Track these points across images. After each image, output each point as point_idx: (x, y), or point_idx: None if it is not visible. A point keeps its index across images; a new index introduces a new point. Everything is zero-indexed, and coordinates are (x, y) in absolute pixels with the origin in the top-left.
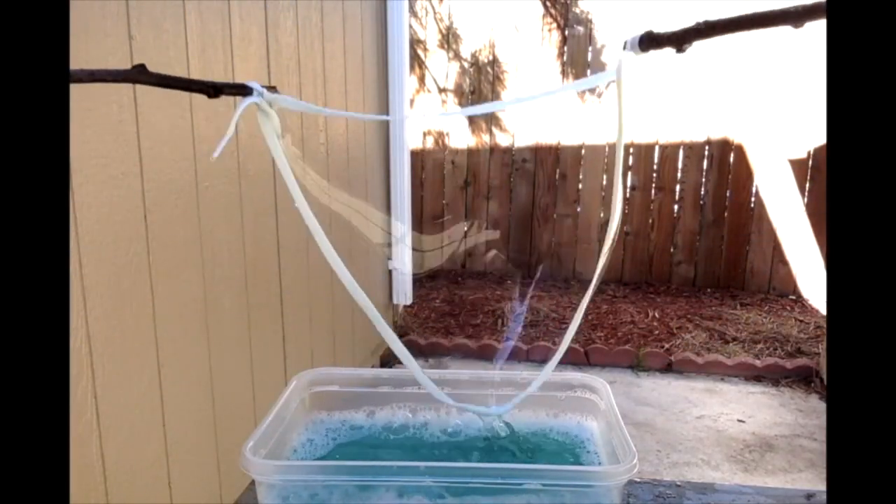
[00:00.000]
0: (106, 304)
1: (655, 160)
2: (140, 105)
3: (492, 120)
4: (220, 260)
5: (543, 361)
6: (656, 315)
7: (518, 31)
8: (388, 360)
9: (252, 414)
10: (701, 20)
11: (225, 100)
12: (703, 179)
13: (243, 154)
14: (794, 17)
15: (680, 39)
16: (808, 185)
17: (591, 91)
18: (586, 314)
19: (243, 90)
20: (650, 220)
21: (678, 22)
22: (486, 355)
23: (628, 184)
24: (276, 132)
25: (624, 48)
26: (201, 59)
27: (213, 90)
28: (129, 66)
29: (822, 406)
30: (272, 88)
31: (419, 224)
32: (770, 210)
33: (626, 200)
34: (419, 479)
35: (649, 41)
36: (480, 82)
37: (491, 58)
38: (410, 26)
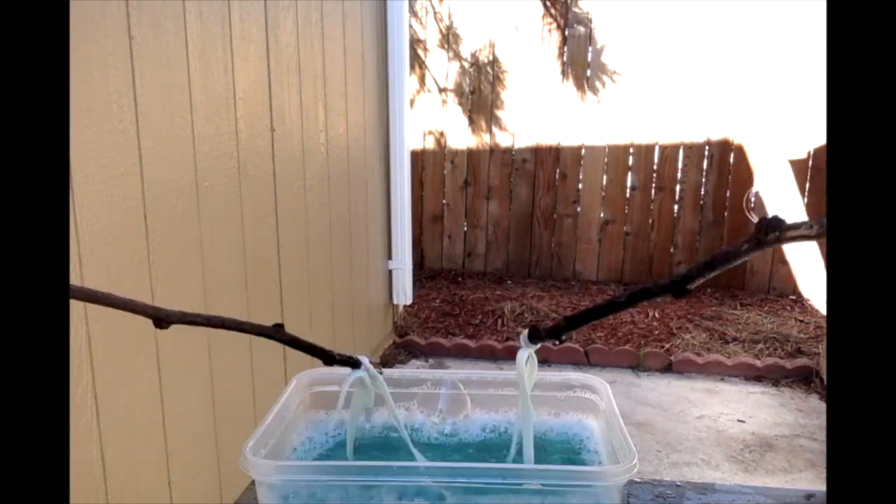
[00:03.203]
0: None
1: (655, 160)
2: (140, 105)
3: (492, 120)
4: (220, 260)
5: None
6: (656, 315)
7: (518, 31)
8: (389, 360)
9: (252, 414)
10: (566, 316)
11: (226, 101)
12: (703, 179)
13: (243, 154)
14: (657, 292)
15: (555, 334)
16: (807, 185)
17: (594, 95)
18: None
19: (354, 363)
20: (650, 220)
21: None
22: (485, 355)
23: (628, 184)
24: (368, 406)
25: (521, 344)
26: (201, 59)
27: (330, 360)
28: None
29: (822, 406)
30: (378, 366)
31: (419, 224)
32: (770, 210)
33: (627, 202)
34: (419, 479)
35: (535, 335)
36: (480, 82)
37: (491, 58)
38: (410, 26)
